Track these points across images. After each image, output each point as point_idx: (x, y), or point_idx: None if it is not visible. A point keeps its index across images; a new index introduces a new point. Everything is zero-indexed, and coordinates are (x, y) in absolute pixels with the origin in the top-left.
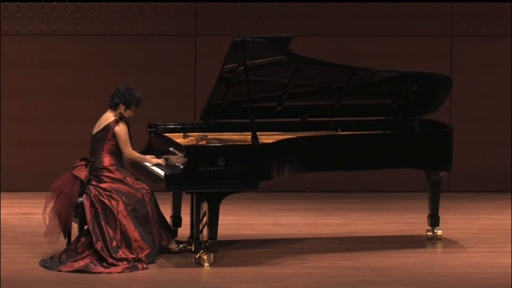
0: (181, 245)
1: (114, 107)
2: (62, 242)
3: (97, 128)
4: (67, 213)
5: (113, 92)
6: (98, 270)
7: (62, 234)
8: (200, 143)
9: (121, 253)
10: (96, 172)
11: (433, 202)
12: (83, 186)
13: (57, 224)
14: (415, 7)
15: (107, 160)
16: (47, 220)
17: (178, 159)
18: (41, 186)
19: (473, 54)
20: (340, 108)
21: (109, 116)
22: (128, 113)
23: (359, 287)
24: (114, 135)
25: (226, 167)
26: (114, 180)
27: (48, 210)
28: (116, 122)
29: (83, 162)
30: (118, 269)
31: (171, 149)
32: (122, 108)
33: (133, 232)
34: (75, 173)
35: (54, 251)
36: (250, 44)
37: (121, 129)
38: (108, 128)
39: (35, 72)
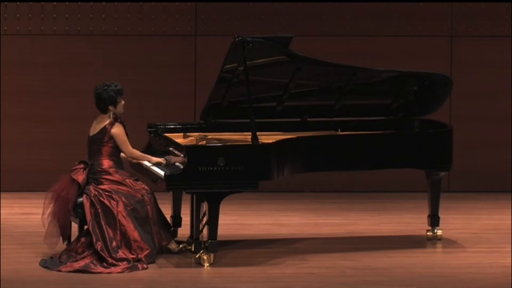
0: (181, 245)
1: (104, 112)
2: (62, 243)
3: (93, 130)
4: (65, 218)
5: (95, 98)
6: (98, 270)
7: (61, 239)
8: (200, 143)
9: (121, 253)
10: (95, 175)
11: (433, 202)
12: (81, 190)
13: (55, 229)
14: (415, 7)
15: (106, 162)
16: (46, 225)
17: (178, 159)
18: (41, 186)
19: (473, 54)
20: (340, 108)
21: (103, 119)
22: (119, 109)
23: (359, 287)
24: (111, 138)
25: (226, 167)
26: (113, 182)
27: (47, 214)
28: (112, 124)
29: (81, 165)
30: (118, 269)
31: (171, 149)
32: (111, 108)
33: (133, 233)
34: (73, 176)
35: (54, 251)
36: (250, 44)
37: (118, 131)
38: (104, 131)
39: (35, 72)
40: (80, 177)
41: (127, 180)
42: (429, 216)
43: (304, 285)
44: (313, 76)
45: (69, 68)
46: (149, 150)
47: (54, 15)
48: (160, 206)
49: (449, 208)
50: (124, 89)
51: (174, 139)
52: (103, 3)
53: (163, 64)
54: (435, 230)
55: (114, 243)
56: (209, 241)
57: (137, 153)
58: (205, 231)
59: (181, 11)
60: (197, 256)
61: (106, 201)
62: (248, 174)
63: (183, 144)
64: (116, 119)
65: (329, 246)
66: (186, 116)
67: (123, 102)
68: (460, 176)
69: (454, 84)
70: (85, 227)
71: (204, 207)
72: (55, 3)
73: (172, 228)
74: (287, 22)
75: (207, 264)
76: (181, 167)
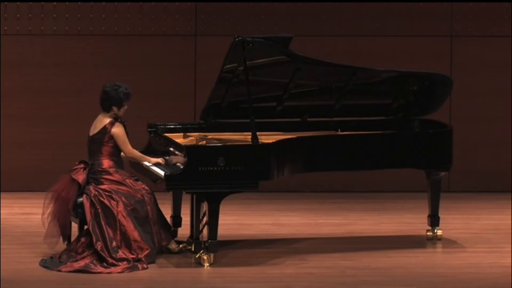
0: (181, 245)
1: (107, 110)
2: (62, 243)
3: (94, 130)
4: (65, 218)
5: (102, 95)
6: (98, 270)
7: (61, 239)
8: (200, 143)
9: (121, 253)
10: (95, 175)
11: (433, 202)
12: (81, 189)
13: (55, 229)
14: (415, 7)
15: (106, 162)
16: (46, 225)
17: (178, 159)
18: (41, 186)
19: (473, 54)
20: (340, 108)
21: (104, 118)
22: (122, 112)
23: (359, 287)
24: (111, 138)
25: (226, 167)
26: (113, 182)
27: (47, 214)
28: (112, 124)
29: (82, 165)
30: (118, 269)
31: (171, 149)
32: (115, 109)
33: (133, 233)
34: (73, 176)
35: (54, 251)
36: (250, 44)
37: (118, 130)
38: (104, 131)
39: (35, 72)
40: (80, 177)
41: (127, 180)
42: (429, 216)
43: (304, 285)
44: (313, 76)
45: (69, 68)
46: (149, 150)
47: (54, 15)
48: (160, 206)
49: (449, 208)
50: None
51: (174, 139)
52: (103, 3)
53: (163, 64)
54: (435, 230)
55: (114, 243)
56: (209, 241)
57: (136, 153)
58: (205, 231)
59: (181, 11)
60: (197, 256)
61: (106, 201)
62: (248, 174)
63: (183, 144)
64: (116, 119)
65: (329, 246)
66: (186, 116)
67: (126, 107)
68: (460, 176)
69: (454, 84)
70: (85, 227)
71: (204, 207)
72: (55, 3)
73: (172, 228)
74: (287, 22)
75: (207, 264)
76: (181, 167)
